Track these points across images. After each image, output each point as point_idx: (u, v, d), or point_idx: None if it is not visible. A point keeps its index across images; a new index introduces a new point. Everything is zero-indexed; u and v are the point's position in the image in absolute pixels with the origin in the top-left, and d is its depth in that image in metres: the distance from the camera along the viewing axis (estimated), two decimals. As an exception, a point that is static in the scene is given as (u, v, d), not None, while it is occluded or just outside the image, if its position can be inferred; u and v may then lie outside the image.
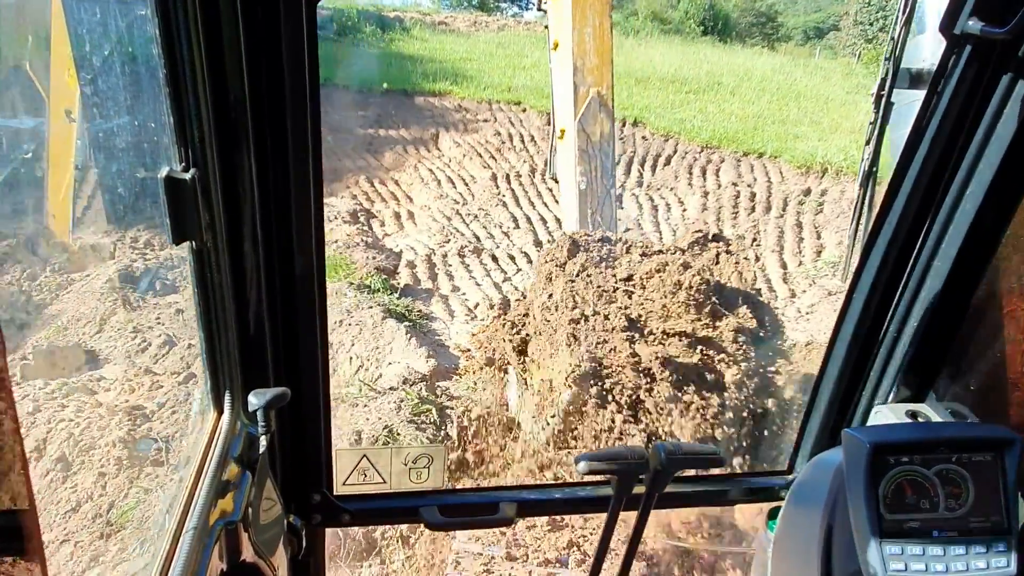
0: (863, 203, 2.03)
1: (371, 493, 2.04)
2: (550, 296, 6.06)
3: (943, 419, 1.92)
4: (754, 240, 11.96)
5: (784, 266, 11.07)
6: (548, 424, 5.41)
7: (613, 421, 5.35)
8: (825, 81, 24.14)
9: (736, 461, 5.50)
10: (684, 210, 13.32)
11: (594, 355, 5.29)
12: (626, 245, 7.09)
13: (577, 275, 6.31)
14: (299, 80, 1.44)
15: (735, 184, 14.00)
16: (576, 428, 5.37)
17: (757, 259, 11.34)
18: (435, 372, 7.54)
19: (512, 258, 11.34)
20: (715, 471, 2.00)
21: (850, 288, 2.02)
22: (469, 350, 8.30)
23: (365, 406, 6.64)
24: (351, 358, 7.87)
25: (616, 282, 6.24)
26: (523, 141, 16.48)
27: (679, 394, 5.35)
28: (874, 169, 2.04)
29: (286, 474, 1.89)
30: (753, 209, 13.02)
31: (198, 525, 1.37)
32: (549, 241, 11.87)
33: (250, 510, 1.53)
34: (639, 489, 1.78)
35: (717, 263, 6.95)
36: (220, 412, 1.67)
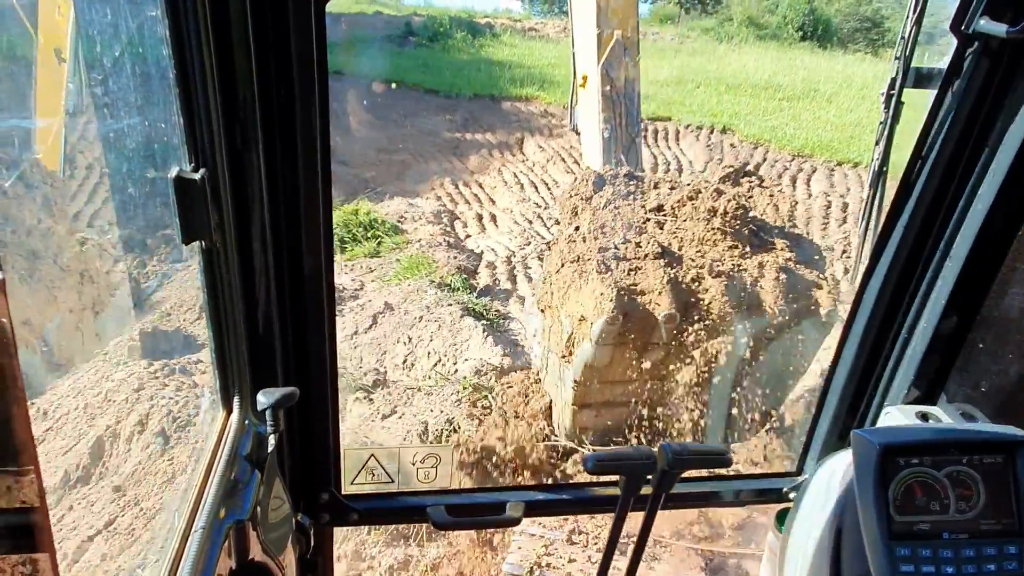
0: (873, 203, 2.03)
1: (379, 492, 2.05)
2: (576, 229, 5.76)
3: (954, 421, 1.90)
4: (843, 252, 11.58)
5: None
6: (579, 360, 5.09)
7: (643, 357, 5.08)
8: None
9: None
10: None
11: (625, 283, 4.97)
12: (654, 181, 6.76)
13: (604, 207, 6.00)
14: (308, 80, 1.45)
15: (827, 194, 13.58)
16: (610, 364, 5.08)
17: (847, 271, 11.00)
18: (509, 368, 7.74)
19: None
20: (723, 471, 1.98)
21: (860, 289, 2.01)
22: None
23: (436, 395, 6.92)
24: (429, 352, 8.18)
25: (647, 212, 5.90)
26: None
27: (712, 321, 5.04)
28: (884, 169, 2.04)
29: (294, 473, 1.89)
30: (844, 220, 12.60)
31: (207, 524, 1.38)
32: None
33: (259, 509, 1.53)
34: (647, 490, 1.79)
35: (751, 196, 6.53)
36: (229, 411, 1.67)
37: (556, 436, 5.73)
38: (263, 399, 1.56)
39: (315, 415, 1.83)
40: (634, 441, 5.52)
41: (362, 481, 2.04)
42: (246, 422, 1.67)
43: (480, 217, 13.47)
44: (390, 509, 2.06)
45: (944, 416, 1.92)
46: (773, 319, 5.17)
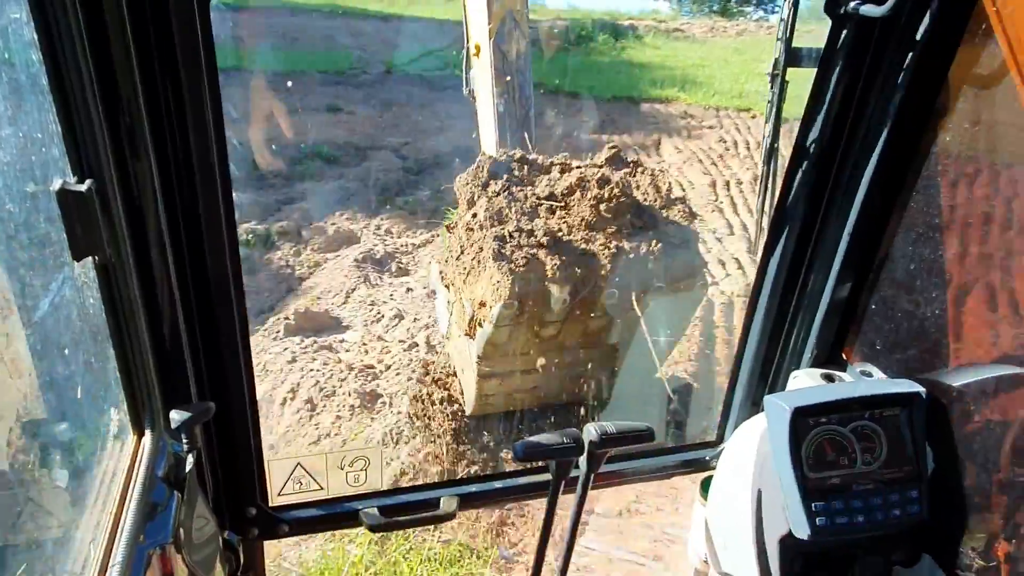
0: (768, 179, 2.12)
1: (309, 501, 2.00)
2: (474, 216, 5.95)
3: (855, 380, 1.98)
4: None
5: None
6: (480, 339, 5.47)
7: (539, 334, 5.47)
8: None
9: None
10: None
11: (520, 270, 5.30)
12: (546, 164, 6.90)
13: (498, 194, 6.24)
14: (196, 78, 1.38)
15: None
16: (508, 341, 5.47)
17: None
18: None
19: (722, 263, 11.33)
20: (648, 447, 1.97)
21: (761, 261, 2.08)
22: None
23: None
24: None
25: (538, 200, 6.14)
26: (748, 148, 16.14)
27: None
28: (775, 146, 2.12)
29: (218, 490, 1.82)
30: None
31: (127, 551, 1.32)
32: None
33: (181, 531, 1.47)
34: (576, 472, 1.82)
35: (634, 176, 6.53)
36: (141, 433, 1.59)
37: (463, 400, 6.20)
38: (176, 417, 1.50)
39: (235, 428, 1.77)
40: (530, 401, 6.03)
41: (290, 491, 1.99)
42: (160, 443, 1.59)
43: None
44: (322, 517, 2.01)
45: (847, 376, 2.01)
46: (647, 297, 5.68)
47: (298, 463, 1.99)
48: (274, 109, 13.96)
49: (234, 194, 1.54)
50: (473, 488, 2.14)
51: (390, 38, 21.07)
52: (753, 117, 17.57)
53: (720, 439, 2.34)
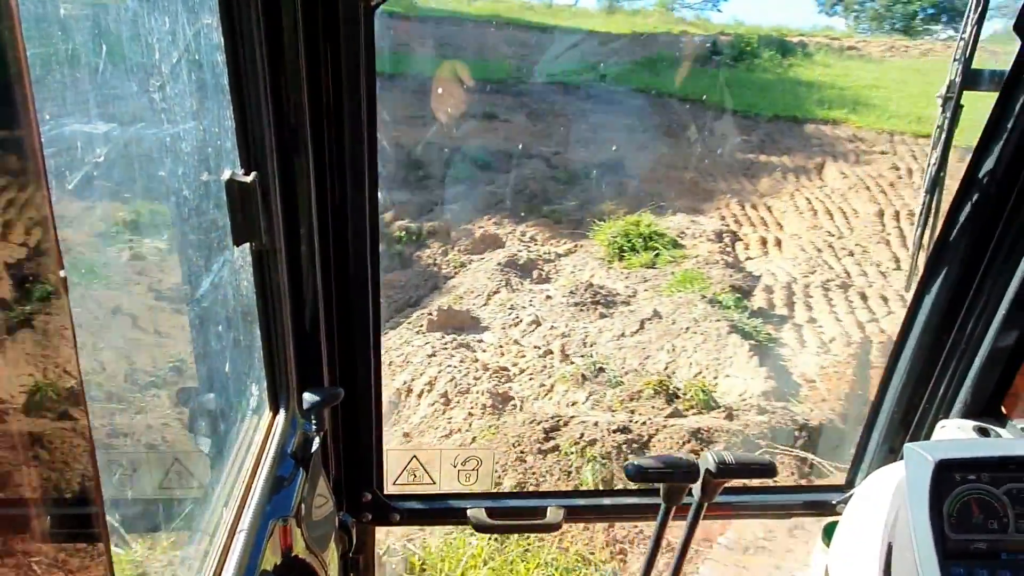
0: (930, 210, 1.86)
1: (420, 493, 2.06)
2: None
3: (1014, 436, 1.81)
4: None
5: None
6: None
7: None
8: None
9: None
10: None
11: None
12: None
13: None
14: (356, 84, 1.47)
15: None
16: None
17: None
18: (771, 392, 7.52)
19: (884, 300, 10.47)
20: (768, 482, 1.90)
21: (915, 297, 1.93)
22: (814, 380, 8.04)
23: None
24: (691, 363, 8.25)
25: None
26: (924, 177, 14.86)
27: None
28: (941, 175, 1.93)
29: (338, 472, 1.91)
30: None
31: (253, 520, 1.40)
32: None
33: (303, 506, 1.54)
34: (689, 499, 1.75)
35: None
36: (276, 411, 1.68)
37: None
38: (309, 398, 1.58)
39: (359, 415, 1.85)
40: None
41: (404, 482, 2.06)
42: (292, 421, 1.68)
43: (764, 240, 13.05)
44: (431, 510, 2.07)
45: (1005, 432, 1.84)
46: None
47: (414, 455, 2.05)
48: (436, 113, 14.48)
49: (391, 192, 1.60)
50: (581, 501, 2.13)
51: (548, 48, 21.37)
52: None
53: (850, 483, 2.20)
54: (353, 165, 1.55)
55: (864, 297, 10.41)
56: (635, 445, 5.98)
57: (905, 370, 2.01)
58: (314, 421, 1.60)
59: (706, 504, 1.76)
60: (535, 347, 8.54)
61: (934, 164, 1.96)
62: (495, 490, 2.20)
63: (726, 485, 1.74)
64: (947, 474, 1.59)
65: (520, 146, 15.40)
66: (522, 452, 5.84)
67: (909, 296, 2.01)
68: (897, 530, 1.70)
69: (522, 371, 8.02)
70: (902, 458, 1.69)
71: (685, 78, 20.32)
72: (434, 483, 2.07)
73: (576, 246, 12.21)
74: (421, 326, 8.92)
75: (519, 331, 9.05)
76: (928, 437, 2.02)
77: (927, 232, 1.97)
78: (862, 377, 8.11)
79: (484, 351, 8.57)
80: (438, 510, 2.07)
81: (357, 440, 1.89)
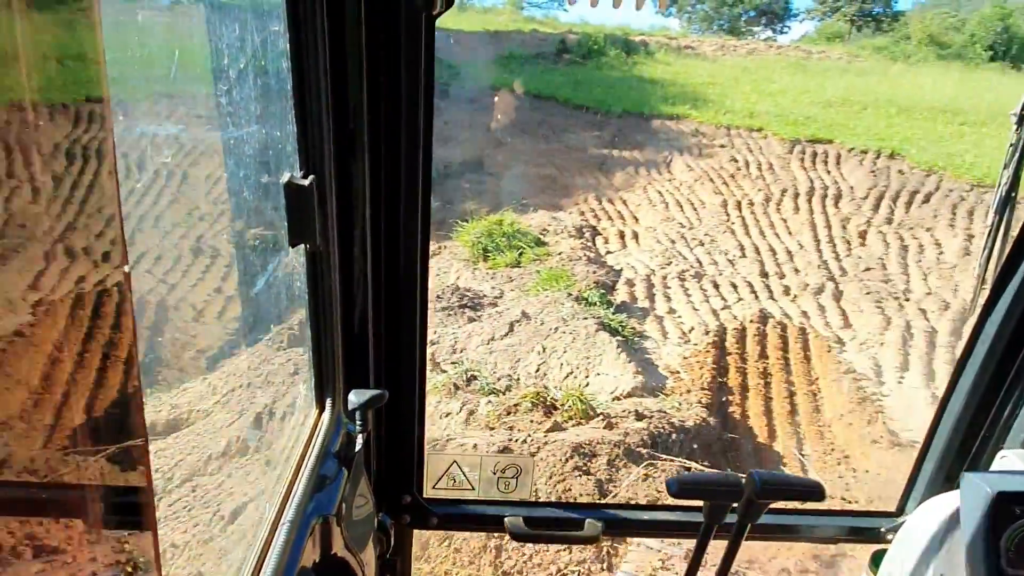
0: (998, 231, 1.84)
1: (459, 499, 2.05)
2: None
3: None
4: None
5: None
6: None
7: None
8: None
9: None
10: (941, 253, 11.98)
11: None
12: None
13: None
14: (415, 92, 1.49)
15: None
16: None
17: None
18: (642, 388, 7.61)
19: (734, 286, 11.02)
20: (814, 505, 1.85)
21: (979, 321, 1.87)
22: (678, 372, 8.26)
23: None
24: (561, 364, 8.22)
25: None
26: (760, 168, 15.90)
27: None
28: (1013, 195, 1.88)
29: (379, 474, 1.92)
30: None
31: (295, 516, 1.41)
32: (776, 273, 11.36)
33: (344, 505, 1.57)
34: (731, 518, 1.72)
35: None
36: (322, 409, 1.70)
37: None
38: (354, 399, 1.59)
39: (402, 418, 1.86)
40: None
41: (443, 486, 2.04)
42: (337, 420, 1.70)
43: (622, 234, 13.37)
44: (469, 516, 2.07)
45: None
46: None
47: (454, 460, 2.04)
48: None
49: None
50: (620, 515, 2.11)
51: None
52: (764, 137, 17.37)
53: (900, 511, 2.13)
54: (408, 170, 1.57)
55: (716, 285, 10.90)
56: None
57: (965, 395, 1.93)
58: (359, 421, 1.61)
59: (749, 524, 1.70)
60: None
61: (1005, 183, 1.87)
62: (533, 499, 2.12)
63: (770, 505, 1.69)
64: (1006, 506, 1.52)
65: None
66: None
67: (972, 319, 1.94)
68: (950, 563, 1.64)
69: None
70: (958, 487, 1.64)
71: (538, 75, 20.54)
72: (473, 489, 2.05)
73: (440, 247, 11.92)
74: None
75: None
76: (987, 467, 1.95)
77: (994, 250, 1.88)
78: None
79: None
80: (476, 516, 2.08)
81: (399, 442, 1.89)
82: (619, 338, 8.65)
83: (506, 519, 2.00)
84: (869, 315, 9.79)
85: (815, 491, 1.64)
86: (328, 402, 1.70)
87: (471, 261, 11.47)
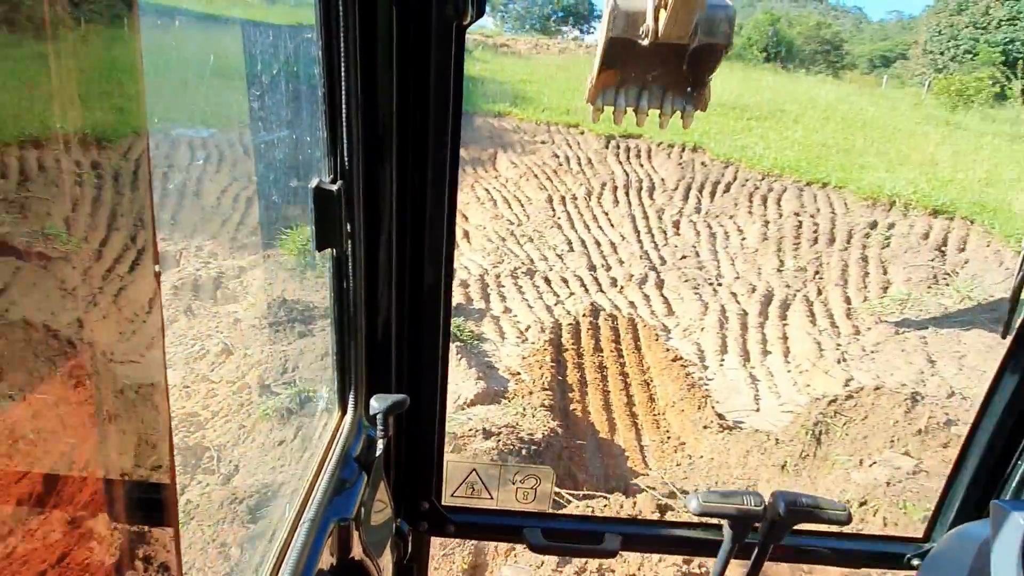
0: None
1: (477, 508, 2.04)
2: None
3: None
4: (816, 273, 11.62)
5: (848, 301, 10.72)
6: None
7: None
8: (892, 111, 23.54)
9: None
10: (744, 239, 13.07)
11: None
12: None
13: None
14: (443, 100, 1.51)
15: (797, 214, 13.67)
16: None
17: (820, 292, 10.99)
18: (485, 395, 7.51)
19: (565, 281, 11.27)
20: (839, 528, 1.83)
21: (1011, 346, 1.83)
22: (519, 373, 8.26)
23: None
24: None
25: None
26: (580, 163, 16.45)
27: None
28: None
29: (399, 479, 1.91)
30: (816, 240, 12.67)
31: (315, 519, 1.42)
32: (603, 265, 11.77)
33: (363, 510, 1.57)
34: (753, 538, 1.71)
35: None
36: (344, 412, 1.71)
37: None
38: (376, 404, 1.60)
39: (423, 424, 1.85)
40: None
41: (462, 494, 2.03)
42: (358, 425, 1.71)
43: (452, 233, 13.23)
44: (487, 525, 2.07)
45: None
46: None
47: (473, 469, 2.02)
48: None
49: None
50: (639, 530, 2.12)
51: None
52: (581, 133, 18.01)
53: (927, 537, 2.08)
54: (435, 178, 1.57)
55: (548, 281, 11.09)
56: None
57: (996, 422, 1.89)
58: (380, 426, 1.61)
59: (771, 545, 1.68)
60: (228, 381, 7.47)
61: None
62: (552, 511, 2.06)
63: (794, 527, 1.67)
64: None
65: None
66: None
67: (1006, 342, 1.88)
68: None
69: (214, 414, 6.94)
70: (987, 515, 1.62)
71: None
72: (491, 498, 2.02)
73: (265, 256, 11.10)
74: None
75: (207, 364, 7.86)
76: (1018, 496, 1.89)
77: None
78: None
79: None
80: (494, 525, 2.07)
81: (419, 448, 1.88)
82: (458, 343, 8.50)
83: (524, 530, 2.00)
84: (689, 302, 10.44)
85: (842, 517, 1.61)
86: (350, 406, 1.71)
87: (299, 271, 10.79)
